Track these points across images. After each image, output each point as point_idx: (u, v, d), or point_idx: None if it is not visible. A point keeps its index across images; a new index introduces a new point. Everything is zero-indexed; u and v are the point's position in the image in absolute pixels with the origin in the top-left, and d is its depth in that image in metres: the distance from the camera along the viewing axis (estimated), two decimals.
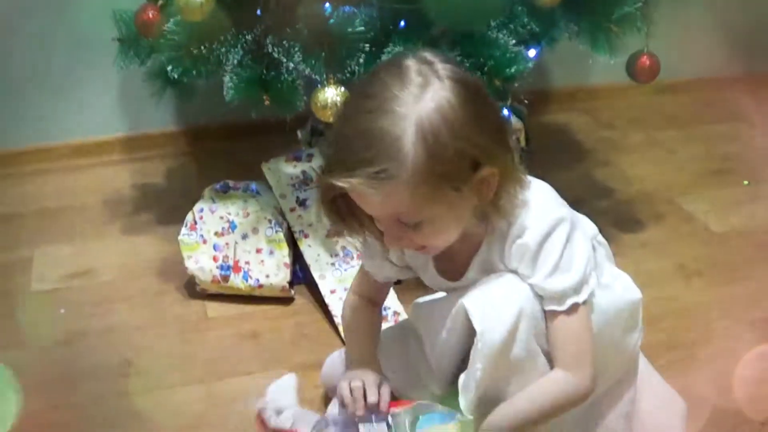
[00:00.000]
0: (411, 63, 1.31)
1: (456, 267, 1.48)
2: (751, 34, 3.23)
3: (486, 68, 1.94)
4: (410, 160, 1.26)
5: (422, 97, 1.28)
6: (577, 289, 1.39)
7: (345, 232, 1.44)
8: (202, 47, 2.00)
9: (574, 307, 1.40)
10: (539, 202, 1.40)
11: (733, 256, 2.33)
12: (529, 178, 1.43)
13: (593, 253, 1.45)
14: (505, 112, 2.32)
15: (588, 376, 1.42)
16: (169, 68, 2.04)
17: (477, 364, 1.40)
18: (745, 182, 2.69)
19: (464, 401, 1.43)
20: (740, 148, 2.88)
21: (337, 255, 2.15)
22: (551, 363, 1.44)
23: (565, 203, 1.45)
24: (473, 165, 1.30)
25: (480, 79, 1.39)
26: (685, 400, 1.72)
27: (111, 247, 2.42)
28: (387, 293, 1.68)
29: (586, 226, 1.52)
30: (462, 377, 1.44)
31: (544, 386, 1.43)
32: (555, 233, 1.38)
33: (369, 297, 1.65)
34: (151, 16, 2.03)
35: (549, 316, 1.42)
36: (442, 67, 1.31)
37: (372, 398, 1.49)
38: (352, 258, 2.14)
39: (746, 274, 2.25)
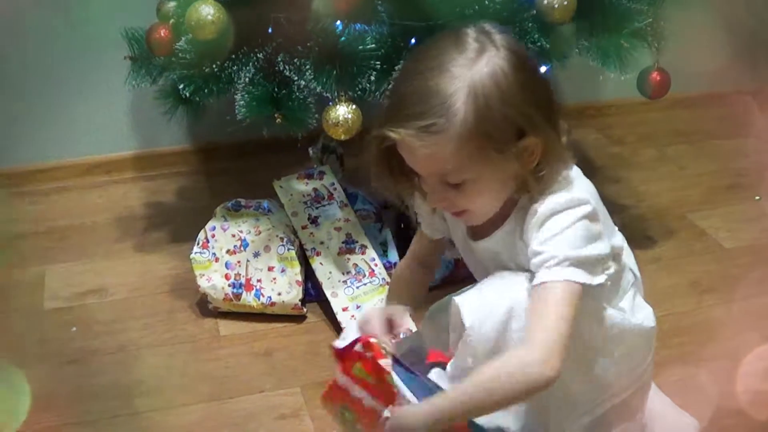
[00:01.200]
0: (470, 31, 1.38)
1: (482, 230, 1.50)
2: (762, 48, 3.23)
3: None
4: (459, 118, 1.32)
5: (477, 61, 1.34)
6: (569, 261, 1.34)
7: (393, 188, 1.48)
8: (214, 65, 2.01)
9: (559, 282, 1.33)
10: (576, 185, 1.42)
11: (745, 271, 2.32)
12: (576, 169, 1.45)
13: (613, 265, 1.44)
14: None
15: (553, 362, 1.30)
16: (181, 86, 2.05)
17: (467, 359, 1.41)
18: (757, 197, 2.68)
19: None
20: (752, 163, 2.86)
21: (349, 272, 2.15)
22: None
23: (599, 201, 1.45)
24: (518, 133, 1.35)
25: (534, 57, 1.44)
26: (697, 418, 1.71)
27: (123, 265, 2.42)
28: (439, 258, 1.73)
29: (616, 235, 1.53)
30: (449, 366, 1.44)
31: (504, 360, 1.35)
32: (570, 210, 1.38)
33: (421, 259, 1.69)
34: (162, 34, 2.03)
35: (533, 292, 1.36)
36: (499, 38, 1.37)
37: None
38: (364, 275, 2.14)
39: (759, 289, 2.23)
